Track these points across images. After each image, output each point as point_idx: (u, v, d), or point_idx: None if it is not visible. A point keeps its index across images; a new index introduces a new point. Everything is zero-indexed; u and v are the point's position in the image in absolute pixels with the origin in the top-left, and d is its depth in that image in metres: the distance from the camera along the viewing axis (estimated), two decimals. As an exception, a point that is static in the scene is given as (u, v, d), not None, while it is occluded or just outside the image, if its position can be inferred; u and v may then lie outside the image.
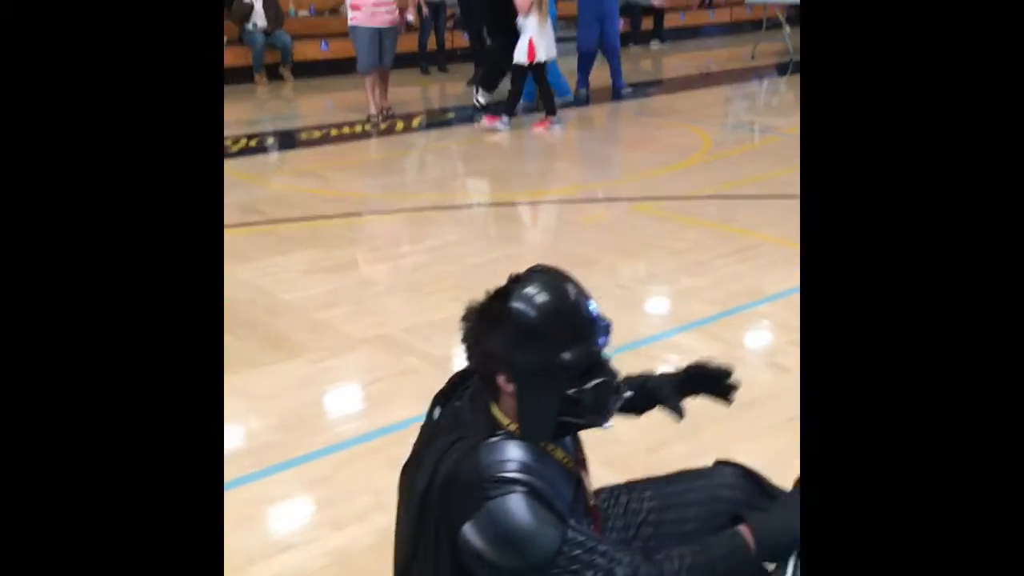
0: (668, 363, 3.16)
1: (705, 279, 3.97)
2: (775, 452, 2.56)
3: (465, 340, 1.43)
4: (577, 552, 1.34)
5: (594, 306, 1.43)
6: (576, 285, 1.44)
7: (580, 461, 1.57)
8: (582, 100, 8.56)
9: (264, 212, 5.08)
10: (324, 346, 3.38)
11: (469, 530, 1.34)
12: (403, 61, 10.65)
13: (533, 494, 1.34)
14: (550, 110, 7.26)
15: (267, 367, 3.20)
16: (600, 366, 1.41)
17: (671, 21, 13.40)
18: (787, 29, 11.18)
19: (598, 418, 1.44)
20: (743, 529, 1.39)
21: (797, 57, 11.20)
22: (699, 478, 1.68)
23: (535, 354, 1.36)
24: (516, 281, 1.42)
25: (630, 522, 1.67)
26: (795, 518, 1.34)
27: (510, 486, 1.34)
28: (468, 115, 7.97)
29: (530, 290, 1.39)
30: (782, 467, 2.49)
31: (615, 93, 8.72)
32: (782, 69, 10.76)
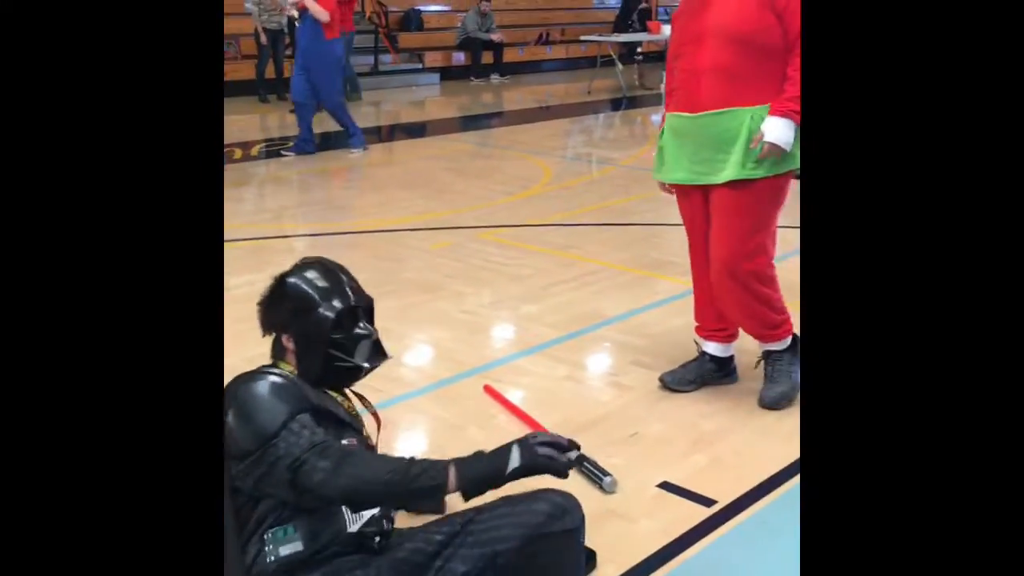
0: (514, 385, 3.23)
1: (548, 304, 4.08)
2: (619, 467, 2.66)
3: (259, 315, 1.88)
4: (295, 427, 1.60)
5: (349, 280, 1.89)
6: (335, 267, 1.89)
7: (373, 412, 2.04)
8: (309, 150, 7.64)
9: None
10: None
11: (228, 415, 1.64)
12: (241, 89, 10.43)
13: (282, 382, 1.68)
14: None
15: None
16: (356, 322, 1.84)
17: (510, 56, 13.75)
18: (620, 67, 11.69)
19: (360, 360, 1.82)
20: (450, 468, 1.54)
21: (629, 93, 11.73)
22: (519, 503, 1.74)
23: (304, 312, 1.81)
24: (292, 267, 1.89)
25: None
26: (498, 465, 1.55)
27: (262, 374, 1.72)
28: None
29: (299, 270, 1.87)
30: (625, 479, 2.60)
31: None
32: (616, 104, 11.23)
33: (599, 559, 2.17)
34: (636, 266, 4.62)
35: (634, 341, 3.63)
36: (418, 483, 1.52)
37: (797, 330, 3.02)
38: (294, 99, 7.61)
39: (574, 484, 2.57)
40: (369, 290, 1.94)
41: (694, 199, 2.95)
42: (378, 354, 1.89)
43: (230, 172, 6.92)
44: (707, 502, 2.46)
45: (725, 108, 2.74)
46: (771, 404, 2.99)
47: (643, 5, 14.03)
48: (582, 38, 13.20)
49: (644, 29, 12.82)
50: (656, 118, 10.59)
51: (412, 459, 1.58)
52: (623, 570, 2.18)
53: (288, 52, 10.36)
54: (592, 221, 5.50)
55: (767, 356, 3.04)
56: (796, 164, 2.77)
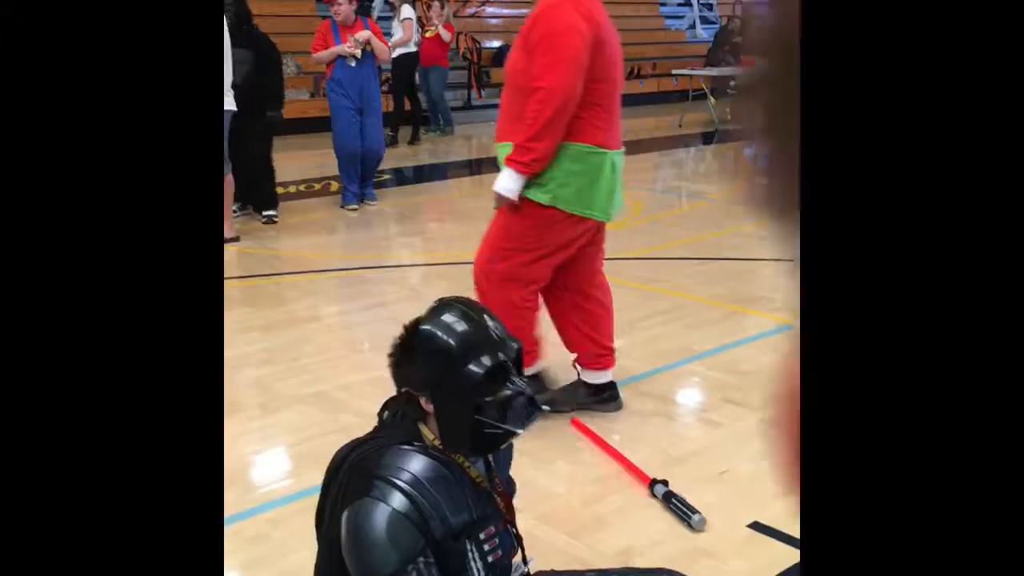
0: (602, 419, 3.22)
1: (635, 338, 4.06)
2: (709, 505, 2.63)
3: (391, 369, 1.59)
4: None
5: (495, 325, 1.58)
6: (478, 309, 1.60)
7: (500, 491, 1.68)
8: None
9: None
10: (258, 404, 3.35)
11: (344, 514, 1.50)
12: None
13: (406, 515, 1.46)
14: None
15: (200, 425, 3.14)
16: (507, 379, 1.54)
17: (601, 90, 13.78)
18: (712, 100, 11.62)
19: (512, 425, 1.54)
20: None
21: (722, 126, 11.64)
22: None
23: (443, 370, 1.51)
24: (427, 312, 1.59)
25: None
26: None
27: (391, 492, 1.47)
28: (406, 176, 8.05)
29: (435, 316, 1.56)
30: (715, 518, 2.56)
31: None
32: (707, 138, 11.15)
33: (687, 598, 2.14)
34: (726, 301, 4.57)
35: (724, 377, 3.58)
36: None
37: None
38: (348, 151, 6.61)
39: (663, 521, 2.55)
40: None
41: None
42: (533, 411, 1.57)
43: (327, 204, 7.13)
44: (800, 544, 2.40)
45: (500, 142, 3.02)
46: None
47: (736, 39, 13.94)
48: (674, 72, 13.18)
49: (737, 63, 12.72)
50: (749, 151, 10.47)
51: None
52: (711, 611, 2.14)
53: (383, 88, 10.59)
54: (681, 255, 5.47)
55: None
56: (575, 208, 3.10)
